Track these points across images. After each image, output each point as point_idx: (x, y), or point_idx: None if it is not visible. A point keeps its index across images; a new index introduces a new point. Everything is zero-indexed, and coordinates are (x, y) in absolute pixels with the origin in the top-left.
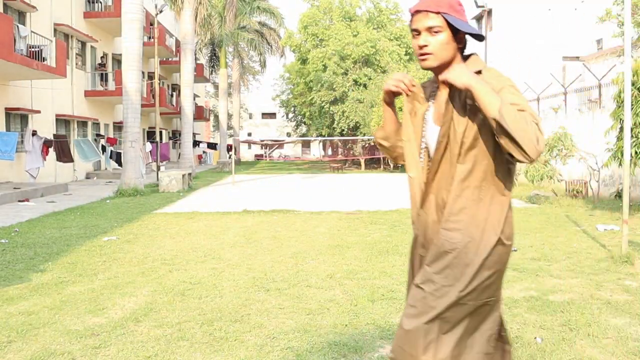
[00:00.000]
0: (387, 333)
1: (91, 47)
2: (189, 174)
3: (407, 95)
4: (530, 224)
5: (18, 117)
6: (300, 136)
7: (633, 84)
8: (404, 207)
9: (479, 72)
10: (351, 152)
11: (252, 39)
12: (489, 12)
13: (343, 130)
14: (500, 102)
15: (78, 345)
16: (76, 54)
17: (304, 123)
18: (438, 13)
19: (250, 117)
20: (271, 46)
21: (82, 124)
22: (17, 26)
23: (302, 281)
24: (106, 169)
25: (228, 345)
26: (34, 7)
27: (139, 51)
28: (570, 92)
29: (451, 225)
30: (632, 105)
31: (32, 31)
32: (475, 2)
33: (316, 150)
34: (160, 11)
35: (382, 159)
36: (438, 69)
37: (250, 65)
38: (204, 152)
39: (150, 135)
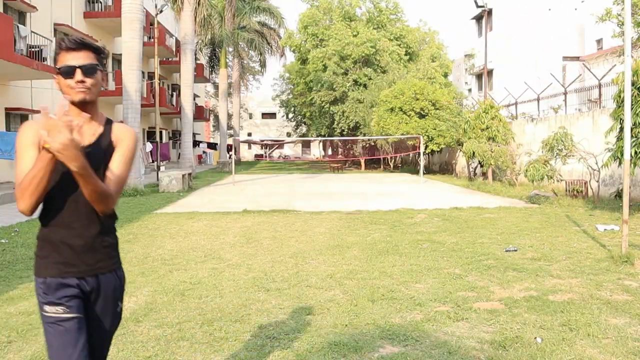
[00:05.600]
0: (387, 333)
1: None
2: (189, 174)
3: None
4: (530, 224)
5: (18, 117)
6: (300, 136)
7: (633, 84)
8: (404, 207)
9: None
10: (351, 152)
11: (252, 39)
12: (489, 12)
13: (343, 130)
14: None
15: None
16: None
17: (304, 123)
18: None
19: (250, 117)
20: (271, 46)
21: None
22: (17, 26)
23: (302, 281)
24: None
25: (228, 345)
26: (34, 7)
27: (139, 51)
28: (570, 92)
29: None
30: (632, 105)
31: (32, 31)
32: (475, 2)
33: (316, 150)
34: (160, 11)
35: (382, 159)
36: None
37: (250, 65)
38: (204, 152)
39: (150, 135)
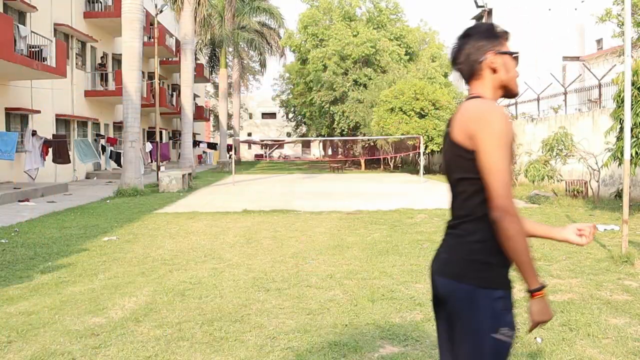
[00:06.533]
0: (387, 333)
1: (91, 47)
2: (189, 174)
3: None
4: None
5: (18, 117)
6: (300, 136)
7: (633, 84)
8: (404, 207)
9: None
10: (351, 152)
11: (252, 39)
12: (489, 12)
13: (343, 130)
14: None
15: (78, 345)
16: (76, 54)
17: (304, 123)
18: None
19: (250, 117)
20: (271, 46)
21: (82, 124)
22: (17, 26)
23: (302, 281)
24: (106, 169)
25: (228, 345)
26: (34, 7)
27: (139, 51)
28: (570, 92)
29: None
30: (632, 105)
31: (32, 31)
32: (476, 2)
33: (316, 150)
34: (160, 11)
35: (382, 159)
36: None
37: (250, 65)
38: (204, 152)
39: (150, 135)
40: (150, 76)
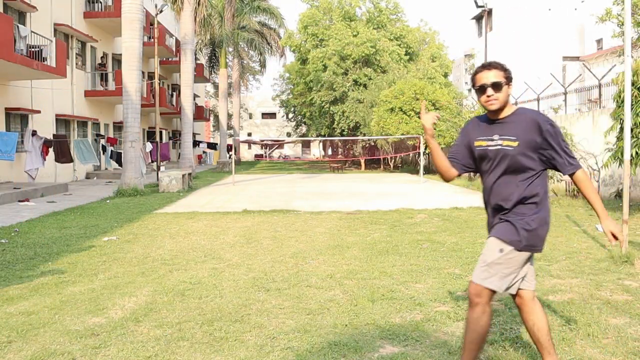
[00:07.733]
0: (387, 333)
1: (91, 47)
2: (189, 174)
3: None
4: None
5: (18, 117)
6: (300, 136)
7: (633, 84)
8: (404, 207)
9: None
10: (351, 152)
11: (252, 39)
12: (489, 12)
13: (343, 130)
14: None
15: (78, 345)
16: (76, 54)
17: (304, 123)
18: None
19: (250, 117)
20: (271, 46)
21: (82, 124)
22: (17, 26)
23: (302, 281)
24: (106, 168)
25: (228, 345)
26: (34, 7)
27: (139, 51)
28: (570, 92)
29: None
30: (632, 105)
31: (32, 31)
32: (475, 2)
33: (316, 150)
34: (161, 11)
35: (382, 159)
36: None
37: (250, 65)
38: (204, 152)
39: (150, 135)
40: (150, 76)
